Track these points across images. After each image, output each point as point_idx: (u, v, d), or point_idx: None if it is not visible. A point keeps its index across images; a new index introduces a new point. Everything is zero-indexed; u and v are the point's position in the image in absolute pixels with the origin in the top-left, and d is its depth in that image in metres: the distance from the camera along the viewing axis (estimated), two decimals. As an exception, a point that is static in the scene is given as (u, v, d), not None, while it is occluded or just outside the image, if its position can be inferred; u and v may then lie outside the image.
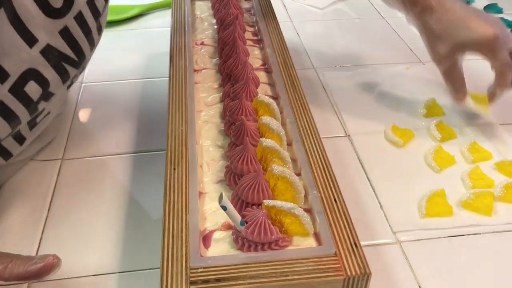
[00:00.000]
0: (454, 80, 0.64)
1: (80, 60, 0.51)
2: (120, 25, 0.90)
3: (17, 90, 0.44)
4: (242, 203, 0.41)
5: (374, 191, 0.57)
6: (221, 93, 0.57)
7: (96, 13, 0.51)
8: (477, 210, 0.54)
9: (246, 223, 0.38)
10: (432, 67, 0.79)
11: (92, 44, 0.53)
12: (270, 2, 0.74)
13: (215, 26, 0.70)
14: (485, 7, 0.97)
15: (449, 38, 0.60)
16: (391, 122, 0.66)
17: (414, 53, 0.84)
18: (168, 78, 0.58)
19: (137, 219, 0.53)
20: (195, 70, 0.61)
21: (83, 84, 0.75)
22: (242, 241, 0.38)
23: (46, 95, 0.49)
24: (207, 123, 0.53)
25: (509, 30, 0.61)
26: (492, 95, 0.63)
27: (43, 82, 0.46)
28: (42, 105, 0.49)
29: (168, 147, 0.48)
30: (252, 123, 0.48)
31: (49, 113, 0.56)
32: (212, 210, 0.42)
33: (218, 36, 0.64)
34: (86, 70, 0.77)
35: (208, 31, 0.69)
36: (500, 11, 0.97)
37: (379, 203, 0.56)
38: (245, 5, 0.75)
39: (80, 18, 0.48)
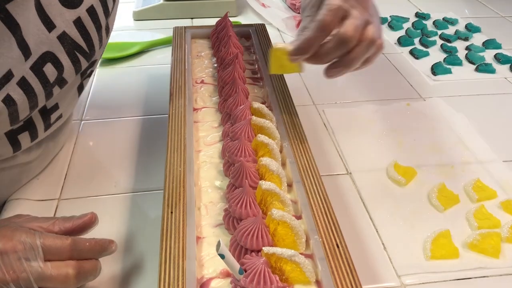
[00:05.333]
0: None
1: (90, 52, 0.56)
2: (121, 62, 0.91)
3: (37, 69, 0.49)
4: (241, 249, 0.40)
5: (377, 231, 0.56)
6: (221, 132, 0.56)
7: (106, 12, 0.56)
8: (484, 252, 0.53)
9: (245, 271, 0.37)
10: (433, 103, 0.79)
11: (101, 42, 0.58)
12: (270, 40, 0.74)
13: (215, 64, 0.70)
14: (483, 43, 0.98)
15: None
16: (393, 160, 0.65)
17: (414, 88, 0.84)
18: (167, 116, 0.57)
19: (134, 261, 0.51)
20: (194, 109, 0.61)
21: (82, 122, 0.74)
22: (241, 291, 0.37)
23: (61, 81, 0.53)
24: (206, 163, 0.53)
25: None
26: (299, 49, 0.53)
27: (58, 66, 0.51)
28: (56, 91, 0.54)
29: (165, 189, 0.47)
30: (251, 164, 0.47)
31: (61, 116, 0.59)
32: (210, 256, 0.41)
33: (218, 75, 0.64)
34: (86, 106, 0.77)
35: (208, 69, 0.69)
36: (499, 46, 0.97)
37: (383, 244, 0.54)
38: (245, 43, 0.76)
39: (92, 12, 0.53)
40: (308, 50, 0.53)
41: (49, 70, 0.50)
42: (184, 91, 0.62)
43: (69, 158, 0.66)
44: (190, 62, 0.69)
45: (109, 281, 0.49)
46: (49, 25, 0.49)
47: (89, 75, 0.62)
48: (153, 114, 0.76)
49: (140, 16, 1.07)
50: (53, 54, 0.50)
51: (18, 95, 0.48)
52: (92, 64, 0.59)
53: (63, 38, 0.51)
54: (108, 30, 0.59)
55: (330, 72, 0.55)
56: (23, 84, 0.48)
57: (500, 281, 0.50)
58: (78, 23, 0.52)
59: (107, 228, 0.55)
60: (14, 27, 0.45)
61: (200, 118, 0.60)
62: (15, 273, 0.40)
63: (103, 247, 0.45)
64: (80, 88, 0.61)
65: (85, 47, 0.54)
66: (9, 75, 0.46)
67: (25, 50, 0.47)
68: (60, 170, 0.64)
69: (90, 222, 0.46)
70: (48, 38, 0.49)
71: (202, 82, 0.67)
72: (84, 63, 0.56)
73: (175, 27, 0.78)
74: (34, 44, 0.48)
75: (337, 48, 0.52)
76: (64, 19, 0.50)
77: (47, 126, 0.58)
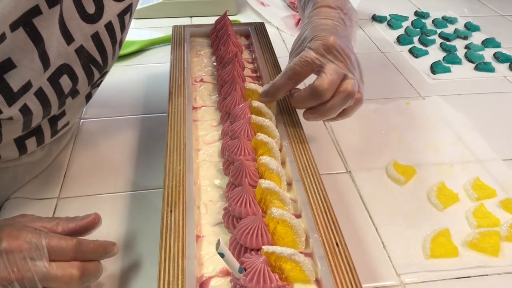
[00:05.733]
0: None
1: (104, 65, 0.57)
2: (120, 60, 0.91)
3: (54, 80, 0.50)
4: (241, 248, 0.40)
5: (376, 230, 0.56)
6: (220, 131, 0.56)
7: (123, 27, 0.57)
8: (484, 250, 0.53)
9: (245, 270, 0.37)
10: (432, 102, 0.79)
11: (113, 55, 0.58)
12: (269, 39, 0.74)
13: (215, 63, 0.70)
14: (483, 42, 0.98)
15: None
16: (393, 159, 0.65)
17: (413, 87, 0.83)
18: (166, 115, 0.57)
19: (133, 259, 0.51)
20: (194, 108, 0.61)
21: (81, 120, 0.74)
22: (240, 289, 0.37)
23: (74, 92, 0.54)
24: (205, 161, 0.53)
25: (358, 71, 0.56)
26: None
27: (74, 77, 0.53)
28: (69, 101, 0.55)
29: (165, 188, 0.47)
30: (251, 163, 0.47)
31: (68, 123, 0.60)
32: (210, 255, 0.41)
33: (217, 74, 0.64)
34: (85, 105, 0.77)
35: (207, 67, 0.69)
36: (498, 45, 0.97)
37: (382, 243, 0.54)
38: (245, 42, 0.76)
39: (109, 28, 0.54)
40: (275, 95, 0.56)
41: (65, 82, 0.51)
42: (184, 90, 0.62)
43: (68, 157, 0.66)
44: (190, 60, 0.68)
45: (109, 280, 0.49)
46: (68, 38, 0.50)
47: (98, 85, 0.63)
48: (152, 113, 0.76)
49: (139, 14, 1.06)
50: (70, 66, 0.51)
51: (34, 105, 0.48)
52: (103, 75, 0.60)
53: (80, 51, 0.52)
54: (121, 44, 0.59)
55: (306, 116, 0.57)
56: (40, 94, 0.49)
57: (500, 280, 0.50)
58: (96, 37, 0.53)
59: (107, 227, 0.55)
60: (38, 40, 0.46)
61: (199, 116, 0.60)
62: (20, 272, 0.40)
63: (106, 249, 0.45)
64: (88, 97, 0.62)
65: (99, 61, 0.55)
66: (28, 86, 0.46)
67: (45, 62, 0.48)
68: (59, 169, 0.64)
69: (93, 223, 0.46)
70: (66, 51, 0.50)
71: (201, 80, 0.66)
72: (97, 75, 0.57)
73: (174, 25, 0.78)
74: (53, 57, 0.49)
75: (311, 98, 0.54)
76: (82, 33, 0.51)
77: (54, 132, 0.58)
